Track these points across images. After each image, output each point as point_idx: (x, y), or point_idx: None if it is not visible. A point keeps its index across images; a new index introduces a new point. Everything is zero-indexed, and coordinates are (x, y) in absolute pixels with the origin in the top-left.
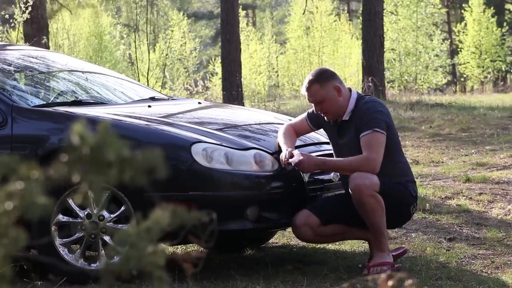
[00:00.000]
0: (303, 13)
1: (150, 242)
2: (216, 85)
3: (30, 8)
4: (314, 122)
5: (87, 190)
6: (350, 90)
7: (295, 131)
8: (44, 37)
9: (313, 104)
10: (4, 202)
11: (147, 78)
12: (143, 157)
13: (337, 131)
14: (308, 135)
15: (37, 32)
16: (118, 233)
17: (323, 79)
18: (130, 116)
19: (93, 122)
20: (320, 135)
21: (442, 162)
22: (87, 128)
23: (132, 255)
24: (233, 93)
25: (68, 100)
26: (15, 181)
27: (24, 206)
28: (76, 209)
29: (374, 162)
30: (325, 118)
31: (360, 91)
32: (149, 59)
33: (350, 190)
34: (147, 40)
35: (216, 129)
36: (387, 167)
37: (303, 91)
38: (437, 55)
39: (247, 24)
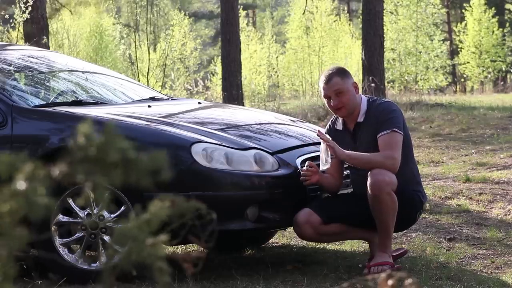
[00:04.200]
0: (303, 13)
1: (151, 234)
2: (217, 85)
3: (30, 8)
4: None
5: (89, 190)
6: None
7: (330, 173)
8: (44, 37)
9: (327, 100)
10: (8, 202)
11: (147, 78)
12: (148, 158)
13: (353, 136)
14: (308, 134)
15: (37, 32)
16: (119, 227)
17: (344, 73)
18: (130, 116)
19: (93, 122)
20: None
21: (442, 162)
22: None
23: (133, 248)
24: (233, 93)
25: (68, 100)
26: (19, 181)
27: (28, 206)
28: (76, 209)
29: (395, 161)
30: (339, 114)
31: (360, 91)
32: (149, 59)
33: (368, 185)
34: (147, 40)
35: (216, 129)
36: (402, 169)
37: (321, 84)
38: (437, 56)
39: (247, 24)
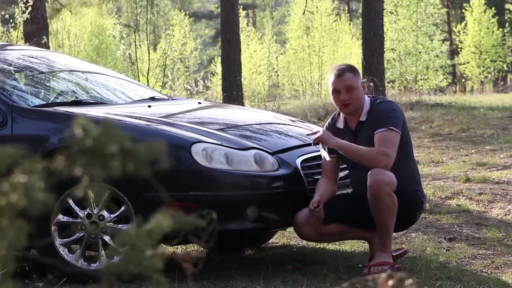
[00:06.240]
0: (303, 13)
1: (150, 245)
2: (217, 85)
3: (30, 8)
4: (332, 149)
5: (88, 186)
6: None
7: (327, 177)
8: (44, 37)
9: (335, 94)
10: (7, 195)
11: (147, 78)
12: (145, 148)
13: (354, 136)
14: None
15: (37, 32)
16: (119, 235)
17: (356, 71)
18: (130, 116)
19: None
20: None
21: (442, 162)
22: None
23: (132, 258)
24: (233, 93)
25: (68, 100)
26: (18, 175)
27: (27, 200)
28: (76, 209)
29: (388, 158)
30: (345, 111)
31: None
32: (149, 59)
33: (367, 185)
34: (147, 40)
35: (216, 129)
36: (402, 168)
37: (332, 78)
38: (437, 56)
39: (247, 24)
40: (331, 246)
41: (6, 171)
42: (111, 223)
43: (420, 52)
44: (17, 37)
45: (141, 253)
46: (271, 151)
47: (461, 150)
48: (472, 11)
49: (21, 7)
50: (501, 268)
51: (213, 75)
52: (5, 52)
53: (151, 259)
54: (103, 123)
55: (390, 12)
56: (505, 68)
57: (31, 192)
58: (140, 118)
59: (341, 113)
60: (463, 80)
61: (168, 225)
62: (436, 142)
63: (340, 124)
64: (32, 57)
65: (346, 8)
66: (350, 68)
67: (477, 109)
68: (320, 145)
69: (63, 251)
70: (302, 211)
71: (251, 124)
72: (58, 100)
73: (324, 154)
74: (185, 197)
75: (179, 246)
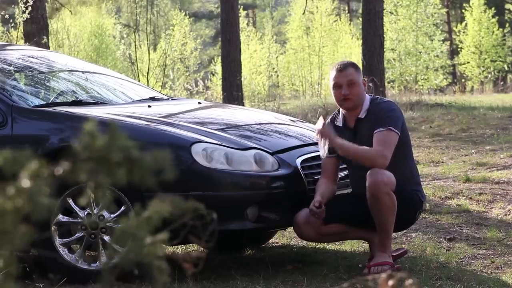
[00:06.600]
0: (303, 13)
1: (150, 233)
2: (217, 85)
3: (30, 8)
4: (332, 149)
5: (91, 190)
6: None
7: (327, 177)
8: (44, 37)
9: (336, 89)
10: (11, 200)
11: (147, 78)
12: (151, 158)
13: (353, 133)
14: (308, 134)
15: (37, 32)
16: (119, 226)
17: (357, 67)
18: (130, 116)
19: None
20: None
21: (442, 162)
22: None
23: (132, 246)
24: (233, 93)
25: (68, 100)
26: (21, 179)
27: (30, 205)
28: (76, 209)
29: (384, 158)
30: (345, 105)
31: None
32: (149, 59)
33: (367, 185)
34: (147, 40)
35: (216, 129)
36: (401, 168)
37: (334, 73)
38: (437, 56)
39: (247, 24)
40: (331, 246)
41: (11, 175)
42: (111, 223)
43: (420, 52)
44: (17, 37)
45: (141, 240)
46: (271, 151)
47: (461, 150)
48: (472, 11)
49: (21, 7)
50: (501, 268)
51: (213, 75)
52: (5, 52)
53: (151, 247)
54: (109, 130)
55: (390, 12)
56: (505, 68)
57: (35, 197)
58: (140, 118)
59: (340, 111)
60: (463, 80)
61: (166, 211)
62: (436, 142)
63: (339, 122)
64: (32, 57)
65: (346, 8)
66: (352, 64)
67: (477, 109)
68: (322, 140)
69: (63, 251)
70: (302, 211)
71: (251, 124)
72: (58, 100)
73: (323, 150)
74: (185, 197)
75: (179, 246)
